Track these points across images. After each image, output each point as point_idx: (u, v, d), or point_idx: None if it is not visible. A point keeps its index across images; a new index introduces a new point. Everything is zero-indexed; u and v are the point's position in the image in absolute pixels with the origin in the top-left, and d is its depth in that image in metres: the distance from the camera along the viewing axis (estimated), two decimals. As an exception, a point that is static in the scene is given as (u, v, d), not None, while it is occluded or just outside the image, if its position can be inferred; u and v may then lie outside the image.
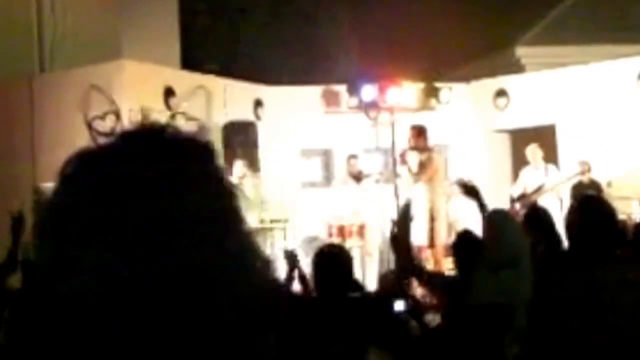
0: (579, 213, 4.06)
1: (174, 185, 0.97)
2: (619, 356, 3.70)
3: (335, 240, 11.01)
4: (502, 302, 4.83)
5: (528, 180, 11.97)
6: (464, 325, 4.99)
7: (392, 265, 12.32)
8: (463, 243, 5.79)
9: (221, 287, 0.97)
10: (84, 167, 1.00)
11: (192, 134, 1.04)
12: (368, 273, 11.38)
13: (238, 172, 11.10)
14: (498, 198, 12.34)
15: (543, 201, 11.55)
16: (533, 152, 11.97)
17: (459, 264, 5.83)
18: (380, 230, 12.31)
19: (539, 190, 11.66)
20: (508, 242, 5.01)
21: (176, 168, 0.99)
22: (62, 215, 0.98)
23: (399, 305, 6.01)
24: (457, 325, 5.11)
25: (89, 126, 10.51)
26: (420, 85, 13.27)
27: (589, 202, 4.29)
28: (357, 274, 11.23)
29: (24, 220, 5.96)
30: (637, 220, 9.42)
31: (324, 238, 11.26)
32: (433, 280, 5.94)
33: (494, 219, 5.34)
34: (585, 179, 11.62)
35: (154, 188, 0.96)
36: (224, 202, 1.02)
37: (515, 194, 11.97)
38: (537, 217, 6.07)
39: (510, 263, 4.95)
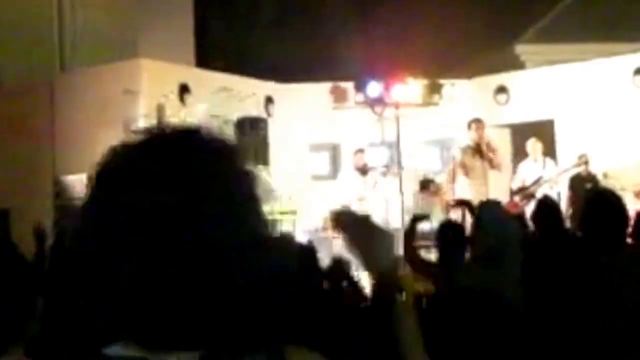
0: (594, 205, 4.06)
1: (205, 176, 1.13)
2: (624, 346, 3.70)
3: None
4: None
5: (526, 173, 11.95)
6: (448, 310, 5.01)
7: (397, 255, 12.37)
8: (445, 232, 5.77)
9: (236, 260, 1.11)
10: (121, 163, 1.15)
11: (219, 134, 1.21)
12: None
13: None
14: (498, 190, 12.35)
15: (541, 193, 11.56)
16: (533, 145, 11.95)
17: (441, 253, 5.80)
18: (386, 222, 12.34)
19: (537, 182, 11.65)
20: (490, 232, 4.93)
21: (209, 164, 1.15)
22: (105, 205, 1.12)
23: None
24: (441, 309, 5.14)
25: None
26: (424, 82, 13.27)
27: (605, 196, 4.29)
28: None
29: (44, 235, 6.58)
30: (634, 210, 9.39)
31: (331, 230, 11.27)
32: (424, 266, 5.99)
33: (480, 209, 5.28)
34: (583, 171, 11.61)
35: (185, 178, 1.12)
36: (245, 189, 1.17)
37: (515, 187, 11.96)
38: (547, 208, 6.05)
39: (493, 253, 4.86)
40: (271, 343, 1.14)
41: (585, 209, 4.16)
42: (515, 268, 4.66)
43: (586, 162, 11.54)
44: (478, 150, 11.24)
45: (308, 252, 6.32)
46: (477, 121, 11.46)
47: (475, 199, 10.40)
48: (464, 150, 11.37)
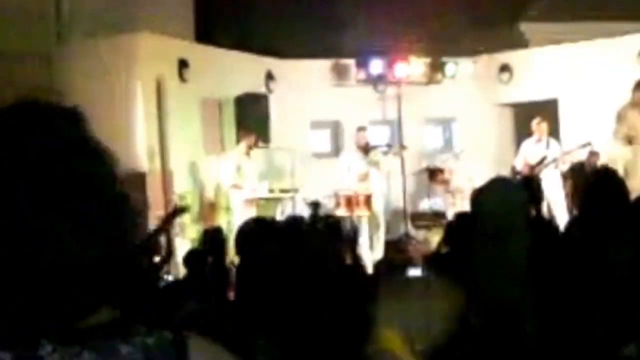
0: (593, 188, 3.92)
1: (45, 151, 1.03)
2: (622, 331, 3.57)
3: (343, 210, 10.84)
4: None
5: (529, 152, 11.75)
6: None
7: (398, 234, 12.22)
8: (459, 223, 5.64)
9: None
10: None
11: (63, 105, 1.10)
12: (375, 242, 11.23)
13: (242, 149, 10.91)
14: (500, 169, 12.19)
15: (544, 173, 11.39)
16: (538, 125, 11.71)
17: (449, 240, 5.66)
18: (387, 201, 12.18)
19: (541, 162, 11.46)
20: (494, 210, 4.76)
21: (49, 136, 1.04)
22: None
23: (414, 271, 5.86)
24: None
25: None
26: (427, 60, 13.10)
27: (605, 178, 4.11)
28: (365, 243, 11.10)
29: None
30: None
31: (331, 207, 11.11)
32: None
33: (487, 187, 5.11)
34: (586, 165, 11.36)
35: (29, 154, 1.02)
36: (91, 164, 1.06)
37: (517, 166, 11.77)
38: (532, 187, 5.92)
39: (496, 231, 4.71)
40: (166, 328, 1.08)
41: (588, 187, 4.01)
42: (520, 250, 4.50)
43: (595, 155, 11.27)
44: None
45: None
46: None
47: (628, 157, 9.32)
48: (631, 105, 9.91)
